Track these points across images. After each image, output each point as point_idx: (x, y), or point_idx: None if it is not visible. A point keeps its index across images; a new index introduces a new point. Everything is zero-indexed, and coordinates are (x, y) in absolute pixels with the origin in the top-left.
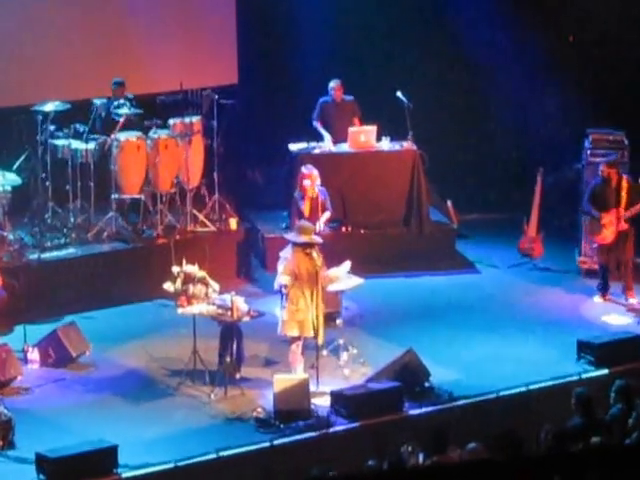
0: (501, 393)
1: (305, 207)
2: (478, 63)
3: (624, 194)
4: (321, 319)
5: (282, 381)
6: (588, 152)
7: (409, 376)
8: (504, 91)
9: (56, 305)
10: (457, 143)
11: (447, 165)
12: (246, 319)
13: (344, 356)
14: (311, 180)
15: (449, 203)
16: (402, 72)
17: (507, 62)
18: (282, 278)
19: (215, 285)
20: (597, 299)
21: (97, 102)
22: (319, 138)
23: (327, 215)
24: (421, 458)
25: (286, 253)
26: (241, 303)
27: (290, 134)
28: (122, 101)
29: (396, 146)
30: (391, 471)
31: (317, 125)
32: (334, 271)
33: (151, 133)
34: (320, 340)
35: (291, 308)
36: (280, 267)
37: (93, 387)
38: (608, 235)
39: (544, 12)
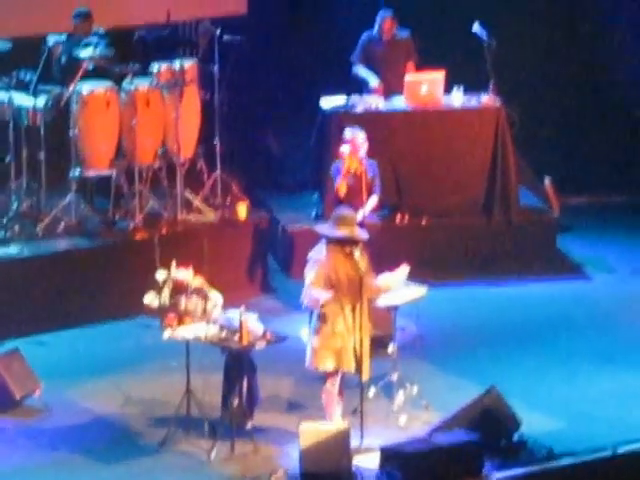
0: (621, 449)
1: (343, 187)
2: None
3: None
4: (366, 346)
5: (312, 432)
6: None
7: (491, 425)
8: (625, 27)
9: None
10: (558, 97)
11: (544, 129)
12: (261, 345)
13: (399, 397)
14: (353, 149)
15: (547, 182)
16: None
17: None
18: (315, 291)
19: (217, 297)
20: None
21: (51, 40)
22: (362, 88)
23: (374, 200)
24: None
25: (318, 253)
26: (254, 323)
27: (321, 85)
28: (88, 39)
29: (472, 101)
30: None
31: (359, 70)
32: (385, 279)
33: (126, 83)
34: (365, 376)
35: (325, 331)
36: (310, 274)
37: (45, 441)
38: None
39: None
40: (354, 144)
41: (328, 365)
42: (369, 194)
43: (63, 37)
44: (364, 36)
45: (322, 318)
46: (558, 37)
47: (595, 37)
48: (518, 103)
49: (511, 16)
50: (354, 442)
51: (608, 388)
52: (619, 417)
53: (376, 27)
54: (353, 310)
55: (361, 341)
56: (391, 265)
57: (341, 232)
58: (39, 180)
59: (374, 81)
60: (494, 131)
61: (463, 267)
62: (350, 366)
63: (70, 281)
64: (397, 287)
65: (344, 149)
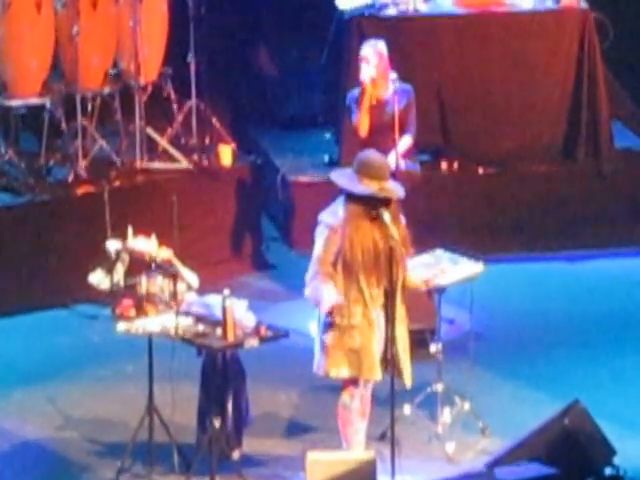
0: None
1: (365, 123)
2: None
3: None
4: (405, 342)
5: (323, 464)
6: None
7: (575, 455)
8: None
9: None
10: None
11: None
12: (252, 343)
13: (446, 416)
14: (378, 70)
15: None
16: None
17: None
18: (325, 286)
19: (191, 277)
20: None
21: None
22: None
23: (407, 141)
24: None
25: (333, 215)
26: (243, 312)
27: None
28: None
29: (548, 2)
30: None
31: None
32: (427, 256)
33: None
34: (408, 381)
35: (341, 324)
36: (319, 243)
37: None
38: None
39: None
40: (380, 62)
41: (343, 371)
42: (402, 132)
43: None
44: None
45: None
46: None
47: None
48: (613, 6)
49: None
50: (383, 478)
51: None
52: None
53: None
54: (382, 296)
55: (392, 339)
56: (436, 231)
57: (366, 187)
58: None
59: None
60: (578, 45)
61: (534, 235)
62: (373, 372)
63: None
64: (443, 264)
65: (365, 71)
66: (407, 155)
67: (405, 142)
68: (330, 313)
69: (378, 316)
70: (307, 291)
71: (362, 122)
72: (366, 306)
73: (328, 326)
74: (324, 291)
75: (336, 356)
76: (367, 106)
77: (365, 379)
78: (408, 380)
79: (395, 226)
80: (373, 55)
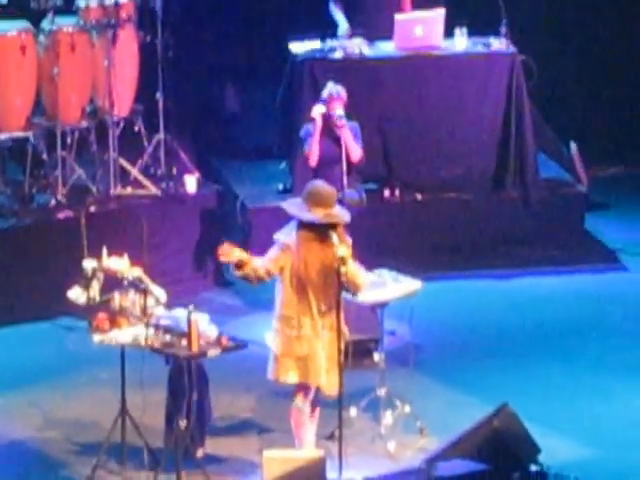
0: None
1: (316, 154)
2: None
3: None
4: (335, 353)
5: (278, 462)
6: None
7: (503, 453)
8: None
9: None
10: (588, 43)
11: (570, 82)
12: (214, 352)
13: (388, 418)
14: (329, 107)
15: (574, 148)
16: None
17: None
18: (261, 270)
19: (160, 292)
20: None
21: None
22: (335, 30)
23: (355, 158)
24: None
25: (287, 235)
26: (206, 325)
27: (291, 25)
28: None
29: (479, 46)
30: None
31: (333, 9)
32: (371, 275)
33: (46, 23)
34: (329, 390)
35: (289, 334)
36: (272, 253)
37: None
38: None
39: None
40: (331, 101)
41: (291, 377)
42: (349, 163)
43: None
44: None
45: (284, 318)
46: None
47: None
48: (537, 50)
49: None
50: (331, 474)
51: None
52: None
53: None
54: (328, 309)
55: (338, 349)
56: (379, 252)
57: (314, 214)
58: None
59: (343, 26)
60: (506, 84)
61: (467, 255)
62: (318, 378)
63: None
64: (384, 280)
65: (317, 109)
66: (357, 165)
67: (356, 155)
68: (282, 316)
69: (322, 327)
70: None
71: (313, 153)
72: (313, 318)
73: (278, 335)
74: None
75: (286, 363)
76: (317, 139)
77: (312, 384)
78: (331, 389)
79: (341, 245)
80: (329, 94)
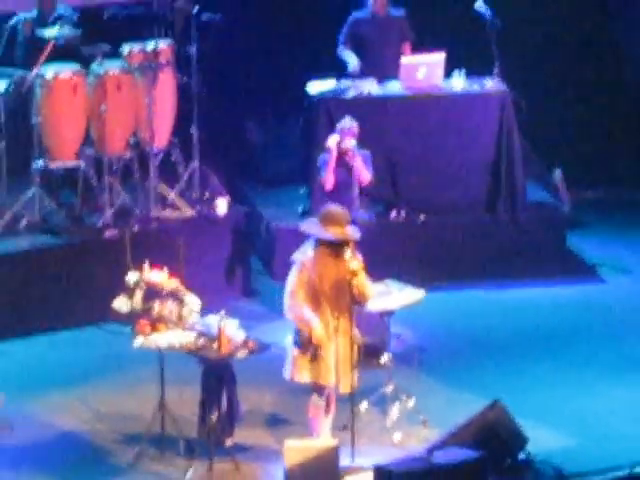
0: (638, 469)
1: (330, 181)
2: None
3: None
4: (347, 355)
5: (297, 451)
6: None
7: (495, 443)
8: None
9: None
10: (571, 82)
11: (555, 116)
12: (242, 354)
13: (394, 412)
14: (343, 139)
15: (558, 174)
16: None
17: None
18: (306, 311)
19: (194, 302)
20: None
21: (12, 19)
22: (346, 69)
23: (364, 181)
24: None
25: (304, 254)
26: (234, 330)
27: (310, 68)
28: (48, 17)
29: (475, 86)
30: None
31: (342, 52)
32: (379, 285)
33: (95, 66)
34: (344, 388)
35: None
36: (291, 279)
37: (7, 460)
38: None
39: None
40: (344, 134)
41: (304, 376)
42: (360, 183)
43: (26, 15)
44: (352, 16)
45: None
46: (570, 16)
47: (613, 15)
48: (526, 88)
49: None
50: (344, 461)
51: (625, 402)
52: (637, 434)
53: (367, 4)
54: (340, 316)
55: (351, 350)
56: (386, 266)
57: (330, 232)
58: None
59: (353, 63)
60: (499, 119)
61: (464, 269)
62: (328, 378)
63: (32, 284)
64: (391, 290)
65: (332, 140)
66: (367, 186)
67: (365, 179)
68: (305, 334)
69: (335, 332)
70: (290, 315)
71: (328, 180)
72: (327, 325)
73: (296, 340)
74: (313, 321)
75: (304, 365)
76: (332, 167)
77: (322, 383)
78: (345, 388)
79: (353, 261)
80: (342, 128)
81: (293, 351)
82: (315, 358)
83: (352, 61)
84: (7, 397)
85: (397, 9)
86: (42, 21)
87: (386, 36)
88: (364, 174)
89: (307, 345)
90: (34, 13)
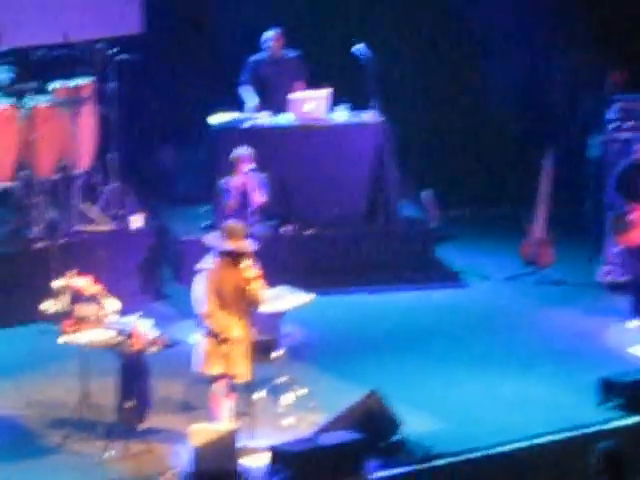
0: (495, 449)
1: (232, 205)
2: (466, 7)
3: None
4: (243, 351)
5: (202, 433)
6: (614, 125)
7: (373, 426)
8: (499, 46)
9: None
10: (438, 114)
11: (424, 144)
12: (153, 349)
13: (286, 399)
14: (239, 167)
15: (426, 194)
16: (365, 18)
17: (502, 7)
18: (204, 307)
19: (114, 304)
20: (630, 324)
21: None
22: (243, 105)
23: (259, 201)
24: None
25: (207, 263)
26: (147, 328)
27: (212, 101)
28: None
29: (356, 117)
30: None
31: (242, 91)
32: (273, 290)
33: (26, 100)
34: (243, 377)
35: (213, 337)
36: (199, 287)
37: None
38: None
39: None
40: (240, 161)
41: (216, 369)
42: (254, 202)
43: None
44: (251, 59)
45: (209, 325)
46: (442, 59)
47: (471, 56)
48: (397, 120)
49: (395, 37)
50: (243, 442)
51: (482, 391)
52: (493, 419)
53: (265, 45)
54: (240, 318)
55: (246, 345)
56: (279, 273)
57: (229, 244)
58: None
59: (250, 103)
60: (376, 145)
61: (346, 275)
62: (234, 370)
63: None
64: (282, 293)
65: (234, 181)
66: (261, 207)
67: (258, 201)
68: (216, 332)
69: (237, 331)
70: (205, 317)
71: (230, 204)
72: (232, 325)
73: (207, 338)
74: (224, 322)
75: (212, 358)
76: (234, 193)
77: (229, 374)
78: (242, 377)
79: (250, 269)
80: (238, 157)
81: (204, 347)
82: (225, 352)
83: (250, 99)
84: None
85: (292, 51)
86: None
87: (282, 75)
88: (258, 196)
89: (219, 342)
90: None
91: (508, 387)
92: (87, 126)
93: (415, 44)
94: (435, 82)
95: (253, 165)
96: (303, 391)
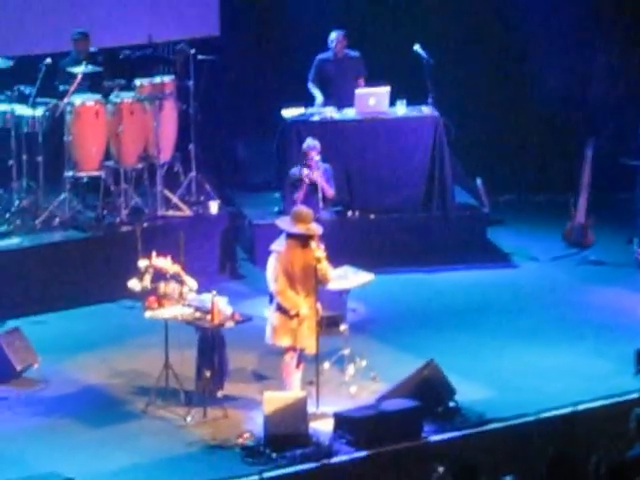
0: (542, 415)
1: (303, 188)
2: (512, 12)
3: None
4: (314, 326)
5: (274, 400)
6: None
7: (430, 394)
8: (545, 45)
9: None
10: (488, 108)
11: (476, 135)
12: (230, 324)
13: (350, 370)
14: (311, 159)
15: (479, 182)
16: (420, 22)
17: (547, 10)
18: (276, 285)
19: (192, 283)
20: None
21: (48, 58)
22: (313, 101)
23: (329, 196)
24: None
25: (279, 245)
26: (224, 305)
27: (284, 97)
28: (81, 57)
29: (414, 112)
30: None
31: (310, 87)
32: (338, 270)
33: (113, 96)
34: (311, 350)
35: (284, 313)
36: (271, 267)
37: (43, 408)
38: None
39: None
40: (309, 151)
41: (285, 342)
42: (324, 196)
43: (60, 56)
44: (318, 57)
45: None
46: (492, 58)
47: (523, 53)
48: (454, 113)
49: (450, 38)
50: (311, 408)
51: (531, 361)
52: (541, 387)
53: (330, 46)
54: (307, 295)
55: (313, 321)
56: (342, 255)
57: (298, 228)
58: (37, 180)
59: (319, 99)
60: (433, 138)
61: (405, 257)
62: (303, 342)
63: (64, 268)
64: (348, 274)
65: (310, 158)
66: (330, 201)
67: (327, 196)
68: (286, 308)
69: (305, 307)
70: (277, 295)
71: (300, 199)
72: (301, 302)
73: (277, 312)
74: (295, 299)
75: (281, 332)
76: (304, 192)
77: (298, 346)
78: (310, 350)
79: (318, 250)
80: (316, 147)
81: (274, 321)
82: (295, 327)
83: (318, 96)
84: (43, 358)
85: (353, 51)
86: (73, 60)
87: (345, 73)
88: (328, 191)
89: (289, 317)
90: (61, 54)
91: (553, 358)
92: (168, 120)
93: (466, 42)
94: (486, 77)
95: (320, 156)
96: (365, 362)
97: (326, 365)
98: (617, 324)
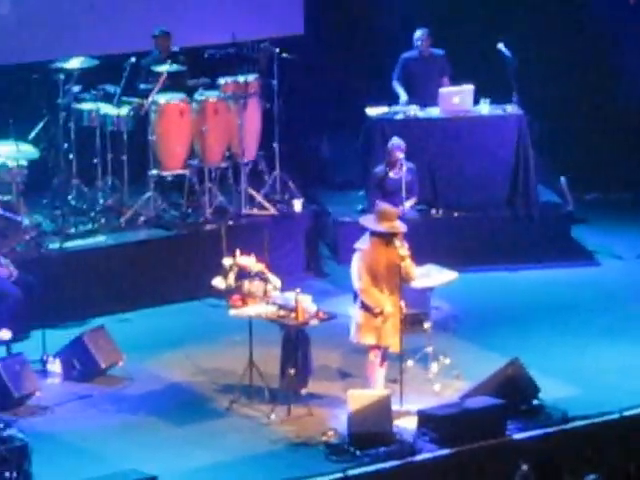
0: (627, 412)
1: (387, 186)
2: (597, 11)
3: None
4: (397, 324)
5: (358, 398)
6: None
7: (514, 392)
8: (630, 44)
9: (82, 305)
10: (573, 107)
11: (560, 134)
12: (314, 322)
13: (434, 368)
14: (397, 153)
15: (563, 180)
16: (505, 21)
17: (631, 8)
18: (360, 283)
19: (276, 281)
20: None
21: (132, 57)
22: (397, 100)
23: (412, 201)
24: None
25: (363, 243)
26: (308, 303)
27: (368, 96)
28: (163, 55)
29: (498, 110)
30: None
31: (395, 86)
32: (422, 268)
33: (197, 95)
34: (395, 348)
35: (368, 311)
36: (355, 265)
37: (127, 406)
38: None
39: None
40: (394, 149)
41: (369, 340)
42: (408, 194)
43: (144, 54)
44: (403, 56)
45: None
46: (577, 57)
47: (607, 51)
48: (538, 112)
49: (535, 37)
50: (395, 406)
51: (614, 359)
52: (624, 385)
53: (416, 44)
54: (391, 293)
55: (397, 319)
56: (426, 252)
57: (382, 226)
58: (122, 179)
59: (403, 97)
60: (517, 136)
61: (489, 255)
62: (387, 341)
63: (149, 267)
64: (431, 272)
65: (395, 157)
66: (412, 207)
67: (411, 202)
68: (371, 307)
69: (389, 305)
70: (362, 294)
71: (388, 186)
72: (385, 300)
73: (361, 311)
74: (380, 298)
75: (365, 330)
76: (391, 177)
77: (382, 345)
78: (396, 347)
79: (402, 247)
80: (400, 145)
81: (358, 319)
82: (379, 325)
83: (402, 95)
84: (128, 356)
85: (438, 49)
86: (157, 59)
87: (429, 71)
88: (412, 193)
89: (373, 315)
90: (145, 53)
91: (637, 356)
92: (252, 119)
93: (550, 40)
94: (571, 75)
95: (404, 154)
96: (449, 360)
97: (410, 363)
98: None
